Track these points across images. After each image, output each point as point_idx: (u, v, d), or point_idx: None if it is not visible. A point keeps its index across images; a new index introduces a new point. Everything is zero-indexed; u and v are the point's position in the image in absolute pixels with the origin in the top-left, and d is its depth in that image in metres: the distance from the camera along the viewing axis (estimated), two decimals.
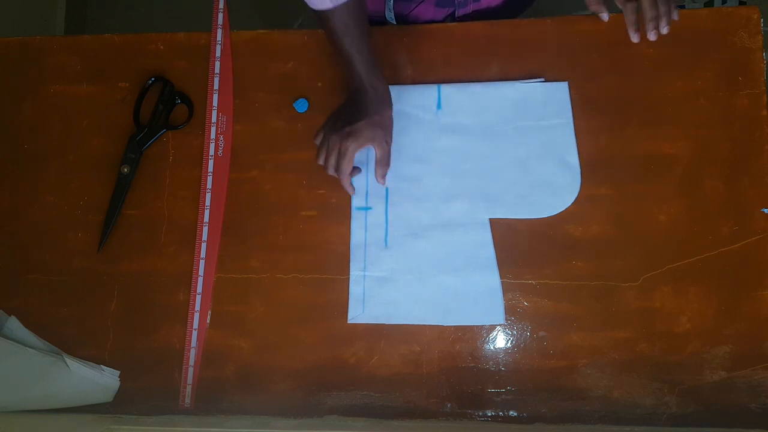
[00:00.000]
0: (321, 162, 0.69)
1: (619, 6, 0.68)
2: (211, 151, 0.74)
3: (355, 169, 0.71)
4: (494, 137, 0.72)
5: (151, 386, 0.70)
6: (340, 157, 0.67)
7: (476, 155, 0.72)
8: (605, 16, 0.71)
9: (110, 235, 0.73)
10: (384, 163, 0.69)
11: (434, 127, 0.73)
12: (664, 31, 0.65)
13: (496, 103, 0.73)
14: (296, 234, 0.72)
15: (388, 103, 0.69)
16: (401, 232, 0.71)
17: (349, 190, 0.70)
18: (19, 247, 0.74)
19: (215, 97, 0.75)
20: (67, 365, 0.68)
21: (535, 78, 0.73)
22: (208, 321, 0.70)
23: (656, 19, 0.65)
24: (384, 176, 0.70)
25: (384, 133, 0.68)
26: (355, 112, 0.68)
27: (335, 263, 0.71)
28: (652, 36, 0.65)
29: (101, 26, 1.70)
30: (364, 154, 0.73)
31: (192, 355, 0.69)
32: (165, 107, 0.75)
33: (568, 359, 0.67)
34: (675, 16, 0.66)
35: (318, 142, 0.71)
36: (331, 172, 0.69)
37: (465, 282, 0.69)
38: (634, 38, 0.68)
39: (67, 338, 0.71)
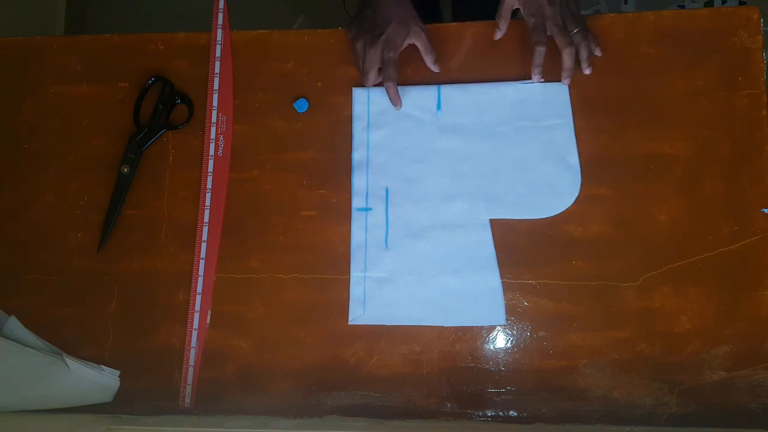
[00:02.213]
0: (371, 83, 0.71)
1: (533, 43, 0.69)
2: (211, 151, 0.74)
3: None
4: (494, 138, 0.72)
5: (151, 386, 0.70)
6: (385, 66, 0.69)
7: (476, 156, 0.72)
8: (498, 35, 0.73)
9: (110, 235, 0.73)
10: (428, 51, 0.71)
11: (434, 128, 0.73)
12: (588, 72, 0.71)
13: (496, 103, 0.73)
14: (296, 234, 0.72)
15: None
16: (401, 233, 0.71)
17: (396, 101, 0.71)
18: (19, 247, 0.74)
19: (215, 97, 0.75)
20: (67, 365, 0.68)
21: None
22: (208, 321, 0.70)
23: (571, 70, 0.69)
24: (435, 62, 0.72)
25: (414, 23, 0.69)
26: (379, 17, 0.69)
27: (335, 263, 0.71)
28: (566, 82, 0.70)
29: (101, 26, 1.70)
30: (364, 156, 0.73)
31: (192, 355, 0.69)
32: (165, 107, 0.75)
33: (568, 359, 0.67)
34: (597, 53, 0.71)
35: (359, 57, 0.72)
36: (370, 83, 0.72)
37: (465, 283, 0.69)
38: (535, 79, 0.71)
39: (67, 338, 0.71)
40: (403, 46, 0.70)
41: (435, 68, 0.72)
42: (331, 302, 0.70)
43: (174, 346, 0.70)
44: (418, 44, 0.70)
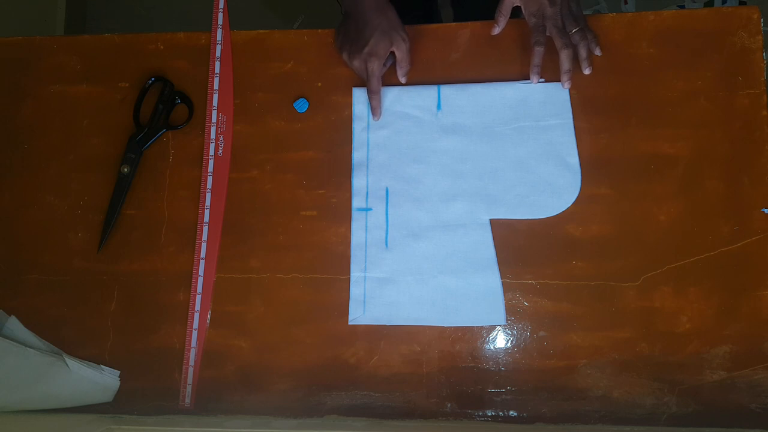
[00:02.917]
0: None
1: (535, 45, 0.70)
2: (211, 151, 0.74)
3: (390, 59, 0.73)
4: (494, 138, 0.72)
5: (151, 386, 0.70)
6: (369, 78, 0.71)
7: (476, 156, 0.72)
8: (496, 30, 0.73)
9: (110, 235, 0.73)
10: (403, 64, 0.72)
11: (434, 128, 0.73)
12: (587, 72, 0.71)
13: (496, 103, 0.73)
14: (296, 234, 0.72)
15: (386, 2, 0.71)
16: (401, 233, 0.71)
17: (377, 111, 0.72)
18: (19, 247, 0.74)
19: (215, 97, 0.75)
20: (67, 365, 0.68)
21: None
22: (208, 321, 0.70)
23: (570, 72, 0.70)
24: (405, 75, 0.72)
25: (397, 33, 0.70)
26: (363, 27, 0.70)
27: (335, 263, 0.71)
28: (566, 85, 0.71)
29: (101, 26, 1.70)
30: (364, 156, 0.73)
31: (192, 355, 0.69)
32: (165, 107, 0.75)
33: (568, 359, 0.67)
34: (597, 52, 0.71)
35: (348, 65, 0.74)
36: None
37: (466, 283, 0.69)
38: (533, 79, 0.71)
39: (67, 338, 0.71)
40: (386, 57, 0.71)
41: (403, 80, 0.73)
42: (331, 302, 0.70)
43: (174, 346, 0.70)
44: (396, 54, 0.71)
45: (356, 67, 0.72)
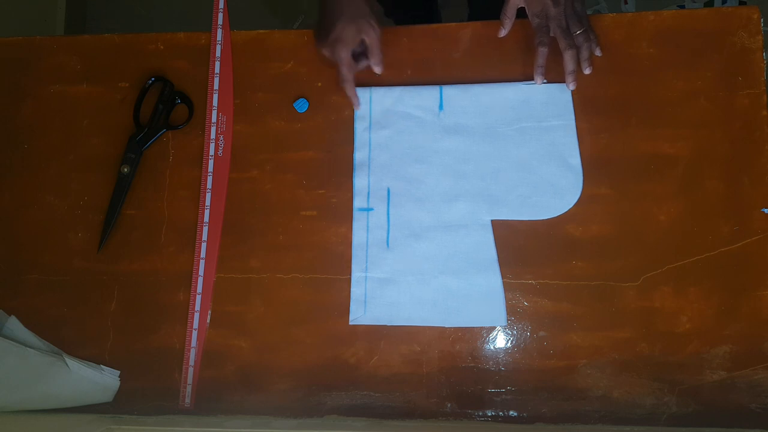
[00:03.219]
0: (343, 83, 0.71)
1: (538, 46, 0.70)
2: (211, 151, 0.74)
3: (362, 59, 0.72)
4: (496, 138, 0.72)
5: (151, 386, 0.70)
6: (339, 66, 0.69)
7: (478, 156, 0.72)
8: (503, 32, 0.73)
9: (110, 235, 0.73)
10: (376, 51, 0.70)
11: (436, 129, 0.73)
12: (587, 71, 0.70)
13: (498, 104, 0.73)
14: (296, 234, 0.72)
15: None
16: (403, 233, 0.71)
17: (354, 100, 0.71)
18: (19, 247, 0.74)
19: (215, 97, 0.75)
20: (67, 365, 0.68)
21: None
22: (208, 321, 0.70)
23: (574, 73, 0.69)
24: (379, 64, 0.71)
25: (365, 20, 0.68)
26: (331, 15, 0.69)
27: (335, 263, 0.71)
28: (571, 86, 0.70)
29: (101, 26, 1.70)
30: (366, 156, 0.73)
31: (192, 355, 0.69)
32: (165, 107, 0.75)
33: (568, 359, 0.67)
34: (598, 53, 0.71)
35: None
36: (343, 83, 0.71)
37: (467, 283, 0.69)
38: (537, 80, 0.71)
39: (67, 338, 0.71)
40: (353, 45, 0.70)
41: (377, 70, 0.72)
42: (331, 302, 0.70)
43: (174, 346, 0.70)
44: (366, 41, 0.70)
45: (325, 55, 0.71)
